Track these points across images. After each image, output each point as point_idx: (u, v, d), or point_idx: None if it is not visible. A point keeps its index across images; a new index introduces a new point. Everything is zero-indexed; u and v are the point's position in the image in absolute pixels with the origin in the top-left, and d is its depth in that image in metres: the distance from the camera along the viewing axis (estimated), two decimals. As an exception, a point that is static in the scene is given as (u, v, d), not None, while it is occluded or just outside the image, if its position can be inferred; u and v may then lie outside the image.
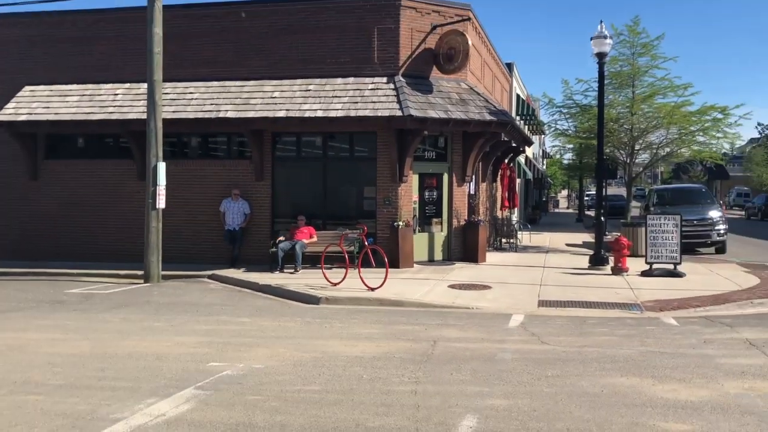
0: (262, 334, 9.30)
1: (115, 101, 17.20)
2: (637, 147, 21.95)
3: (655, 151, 22.65)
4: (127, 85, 17.52)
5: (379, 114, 15.36)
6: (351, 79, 16.39)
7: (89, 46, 17.92)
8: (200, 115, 16.22)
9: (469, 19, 17.21)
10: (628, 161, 22.13)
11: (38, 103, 17.63)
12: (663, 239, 15.13)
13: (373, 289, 12.38)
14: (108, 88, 17.60)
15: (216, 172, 17.16)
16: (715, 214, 22.07)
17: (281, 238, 15.74)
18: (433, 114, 15.51)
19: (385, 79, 16.22)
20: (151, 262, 14.74)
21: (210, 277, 15.26)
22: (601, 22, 16.61)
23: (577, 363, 7.54)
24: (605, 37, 16.53)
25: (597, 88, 17.31)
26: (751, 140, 79.09)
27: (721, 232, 21.69)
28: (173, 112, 16.26)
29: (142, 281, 14.76)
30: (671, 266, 14.98)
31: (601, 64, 16.81)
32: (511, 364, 7.51)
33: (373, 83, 16.20)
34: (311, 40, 16.69)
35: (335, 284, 13.11)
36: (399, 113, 15.18)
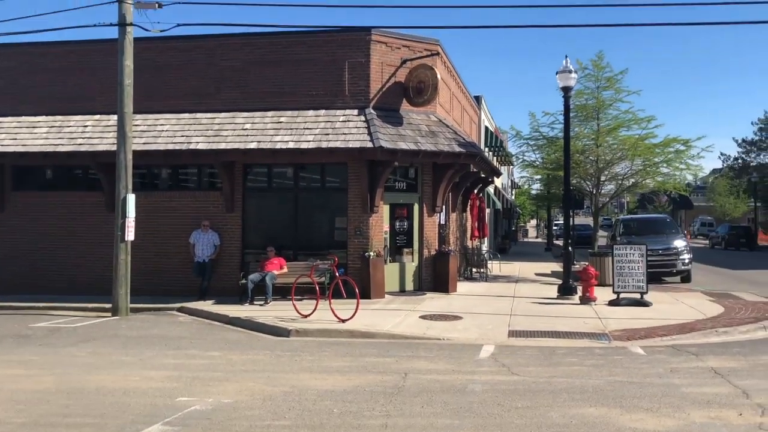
0: (232, 368, 9.22)
1: (85, 133, 17.09)
2: (602, 178, 22.37)
3: (620, 181, 23.08)
4: (97, 116, 17.45)
5: (351, 145, 15.49)
6: (323, 112, 16.53)
7: (60, 78, 17.83)
8: (171, 146, 16.19)
9: (437, 53, 17.51)
10: (594, 192, 22.50)
11: (5, 134, 17.44)
12: (629, 269, 15.38)
13: (343, 321, 12.36)
14: (77, 120, 17.51)
15: (186, 203, 17.09)
16: (680, 243, 22.51)
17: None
18: (403, 145, 15.68)
19: (356, 112, 16.39)
20: (119, 295, 14.55)
21: (179, 309, 15.09)
22: (566, 57, 17.06)
23: (547, 394, 7.61)
24: (570, 72, 16.94)
25: (563, 121, 17.68)
26: (713, 171, 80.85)
27: (686, 261, 22.11)
28: (144, 143, 16.21)
29: (110, 314, 14.54)
30: (638, 295, 15.21)
31: (566, 98, 17.20)
32: (482, 395, 7.55)
33: (344, 115, 16.35)
34: (283, 73, 16.82)
35: (306, 316, 13.06)
36: (370, 145, 15.33)
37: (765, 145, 64.58)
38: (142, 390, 7.84)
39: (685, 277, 22.21)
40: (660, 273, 21.35)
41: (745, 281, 22.50)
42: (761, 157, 65.27)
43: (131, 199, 14.73)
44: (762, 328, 12.35)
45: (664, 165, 21.89)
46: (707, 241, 54.70)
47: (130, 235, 14.68)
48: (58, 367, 9.27)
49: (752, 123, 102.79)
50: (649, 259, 15.88)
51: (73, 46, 18.16)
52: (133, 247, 15.07)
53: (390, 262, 17.00)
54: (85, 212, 17.49)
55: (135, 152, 15.25)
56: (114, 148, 15.20)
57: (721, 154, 76.88)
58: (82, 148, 16.62)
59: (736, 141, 67.68)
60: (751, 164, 63.74)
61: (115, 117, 15.19)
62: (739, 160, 66.73)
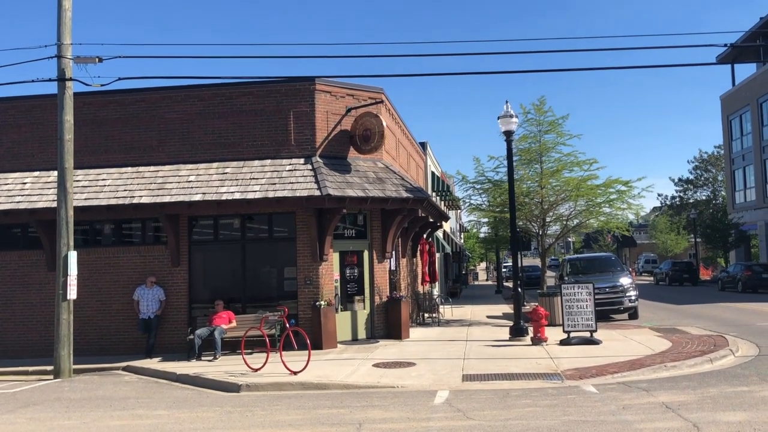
0: (180, 428, 8.91)
1: (24, 190, 16.63)
2: (548, 219, 22.77)
3: (565, 222, 23.52)
4: (36, 173, 17.04)
5: (298, 194, 15.43)
6: (268, 161, 16.49)
7: (-3, 136, 17.45)
8: (113, 201, 15.86)
9: (382, 101, 17.75)
10: (540, 233, 22.86)
11: (-62, 193, 16.84)
12: (578, 308, 15.58)
13: (295, 373, 12.14)
14: (15, 177, 17.06)
15: (130, 258, 16.69)
16: (625, 281, 22.95)
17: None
18: (351, 193, 15.71)
19: (302, 160, 16.40)
20: (61, 356, 14.01)
21: (125, 368, 14.61)
22: (507, 102, 17.48)
23: (503, 437, 7.55)
24: (511, 116, 17.33)
25: (507, 165, 17.98)
26: (654, 209, 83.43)
27: (633, 298, 22.53)
28: (85, 199, 15.85)
29: (51, 377, 13.98)
30: (588, 334, 15.39)
31: (508, 142, 17.56)
32: (438, 442, 7.44)
33: (290, 164, 16.34)
34: (228, 123, 16.78)
35: (256, 370, 12.78)
36: (317, 193, 15.31)
37: (700, 182, 67.17)
38: (84, 455, 7.49)
39: (633, 314, 22.61)
40: (608, 311, 21.70)
41: (690, 316, 23.00)
42: (698, 194, 67.80)
43: (73, 256, 14.31)
44: (708, 361, 12.61)
45: (607, 205, 22.41)
46: (652, 278, 55.88)
47: (72, 293, 14.23)
48: (-5, 436, 8.82)
49: (688, 161, 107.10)
50: (596, 297, 16.13)
51: (13, 102, 17.75)
52: (75, 306, 14.62)
53: (341, 310, 16.85)
54: (25, 272, 16.92)
55: (77, 208, 14.92)
56: (54, 204, 14.84)
57: (659, 195, 79.89)
58: (21, 206, 16.14)
59: (673, 180, 70.28)
60: (690, 201, 66.01)
61: (56, 173, 14.88)
62: (677, 199, 69.19)
